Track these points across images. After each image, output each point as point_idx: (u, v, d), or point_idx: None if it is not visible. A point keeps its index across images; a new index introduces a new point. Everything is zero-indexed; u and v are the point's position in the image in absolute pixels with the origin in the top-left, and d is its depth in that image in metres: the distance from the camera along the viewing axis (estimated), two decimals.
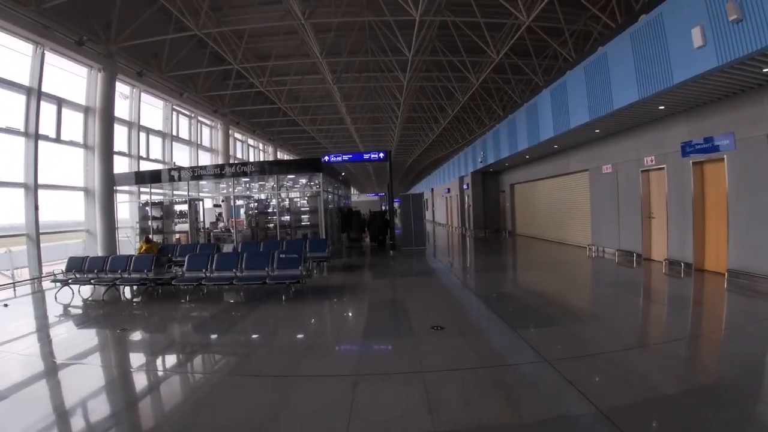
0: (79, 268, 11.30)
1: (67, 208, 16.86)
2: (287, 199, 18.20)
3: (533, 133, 15.91)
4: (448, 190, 35.90)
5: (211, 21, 17.15)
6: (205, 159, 26.62)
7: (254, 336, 7.31)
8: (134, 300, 11.05)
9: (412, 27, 16.93)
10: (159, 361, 6.19)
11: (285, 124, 35.46)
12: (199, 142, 26.12)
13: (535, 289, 10.15)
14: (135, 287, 11.82)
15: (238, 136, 32.70)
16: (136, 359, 6.39)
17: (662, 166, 11.73)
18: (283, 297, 9.67)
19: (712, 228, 10.27)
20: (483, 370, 5.07)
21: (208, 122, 27.51)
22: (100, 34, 16.24)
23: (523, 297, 9.43)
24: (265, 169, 17.01)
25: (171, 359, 6.31)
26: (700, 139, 10.17)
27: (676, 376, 4.74)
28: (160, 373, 5.72)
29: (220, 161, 26.68)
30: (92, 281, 11.11)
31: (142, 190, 18.10)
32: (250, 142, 35.19)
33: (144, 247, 14.14)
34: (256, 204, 18.63)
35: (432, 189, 47.34)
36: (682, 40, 7.86)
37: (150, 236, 15.77)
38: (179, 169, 17.99)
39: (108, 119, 16.98)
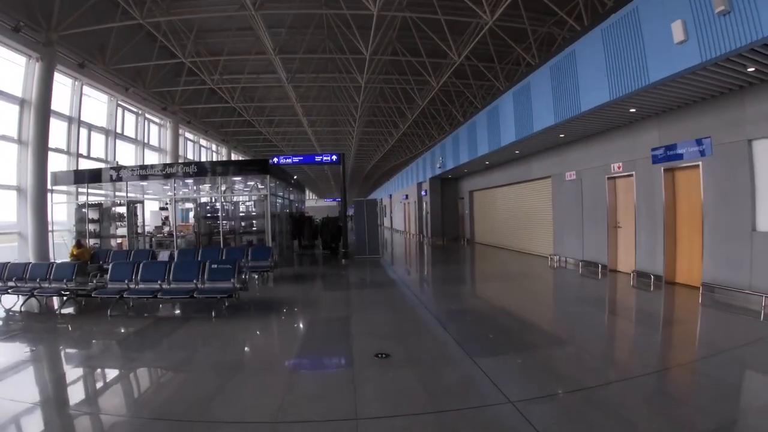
0: None
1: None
2: (232, 203, 17.00)
3: (494, 137, 15.23)
4: (406, 196, 35.21)
5: (159, 10, 15.81)
6: (153, 159, 24.91)
7: (161, 367, 6.07)
8: (56, 312, 9.69)
9: (371, 25, 16.22)
10: (40, 397, 4.88)
11: (240, 125, 34.03)
12: (146, 141, 24.50)
13: (495, 305, 9.25)
14: (56, 298, 10.45)
15: (189, 136, 31.05)
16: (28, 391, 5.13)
17: (631, 173, 11.17)
18: (213, 313, 8.51)
19: (684, 239, 9.73)
20: (432, 416, 4.10)
21: (157, 120, 25.88)
22: (40, 21, 14.78)
23: (483, 315, 8.44)
24: (207, 170, 15.75)
25: (58, 395, 5.06)
26: (673, 144, 9.61)
27: (670, 421, 3.89)
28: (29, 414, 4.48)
29: (168, 161, 25.04)
30: (9, 290, 9.77)
31: (80, 190, 16.60)
32: (203, 142, 33.50)
33: (75, 252, 13.22)
34: (198, 208, 17.33)
35: (390, 195, 46.63)
36: (660, 35, 7.20)
37: (81, 240, 14.44)
38: (118, 168, 16.54)
39: (44, 113, 15.37)
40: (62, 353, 6.89)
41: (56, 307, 10.05)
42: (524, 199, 17.80)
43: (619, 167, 11.64)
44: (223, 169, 16.05)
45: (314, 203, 64.75)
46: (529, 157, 16.48)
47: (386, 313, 8.53)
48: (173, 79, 23.82)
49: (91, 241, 16.38)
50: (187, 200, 18.58)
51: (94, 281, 10.01)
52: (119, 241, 16.96)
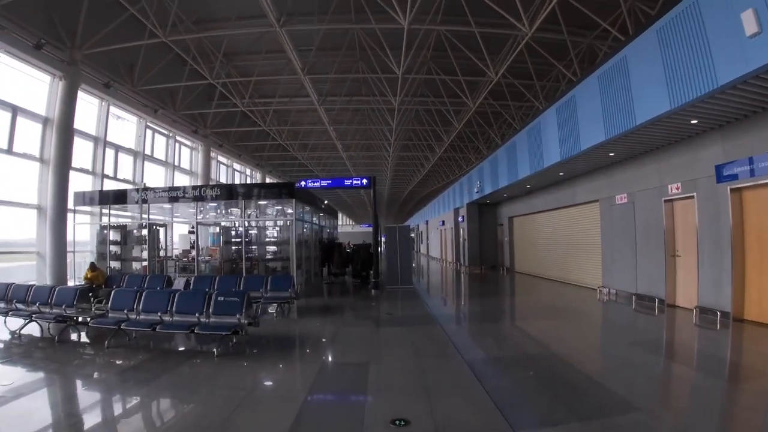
0: (2, 296, 9.70)
1: (20, 226, 14.98)
2: (256, 228, 16.23)
3: (536, 158, 14.04)
4: (443, 222, 34.02)
5: (184, 27, 15.37)
6: (183, 182, 24.52)
7: (131, 424, 5.06)
8: (55, 339, 8.86)
9: (401, 45, 15.43)
10: None
11: (275, 149, 33.61)
12: (176, 164, 24.21)
13: (542, 351, 7.87)
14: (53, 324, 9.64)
15: (222, 159, 30.86)
16: None
17: (691, 194, 9.85)
18: (216, 351, 7.48)
19: (754, 268, 8.30)
20: None
21: (188, 143, 25.67)
22: (64, 39, 14.53)
23: (527, 364, 7.06)
24: (231, 193, 15.05)
25: None
26: (742, 160, 8.27)
27: None
28: None
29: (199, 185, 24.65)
30: (10, 313, 9.36)
31: (103, 211, 16.19)
32: (236, 166, 33.30)
33: (89, 275, 12.74)
34: (222, 232, 16.65)
35: (427, 221, 45.51)
36: (728, 29, 6.05)
37: (95, 263, 13.83)
38: (141, 190, 16.04)
39: (66, 131, 15.01)
40: (37, 392, 6.08)
41: (55, 333, 9.24)
42: (569, 225, 16.42)
43: (677, 188, 10.35)
44: (247, 191, 15.33)
45: (350, 229, 64.11)
46: (574, 179, 15.18)
47: (412, 360, 7.25)
48: (205, 102, 23.57)
49: (113, 264, 16.01)
50: (210, 224, 17.87)
51: (93, 309, 9.31)
52: (144, 264, 16.38)
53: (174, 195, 15.14)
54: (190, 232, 20.22)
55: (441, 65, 19.61)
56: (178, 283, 12.57)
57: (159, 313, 8.14)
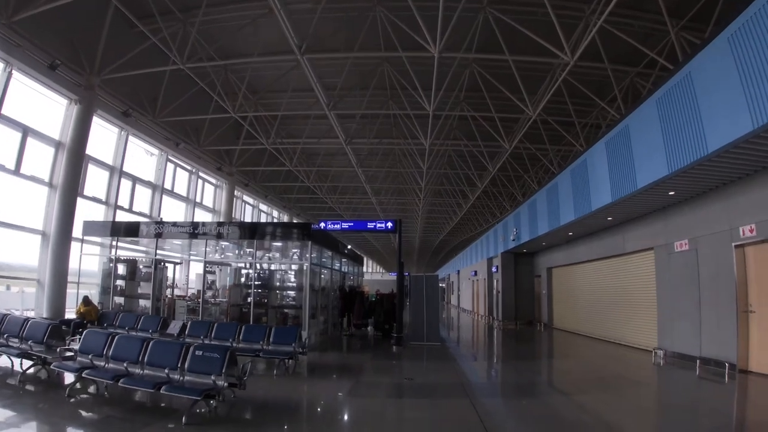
0: None
1: (23, 251, 14.39)
2: (266, 271, 14.99)
3: (581, 201, 12.49)
4: (475, 272, 32.17)
5: (207, 56, 14.68)
6: (205, 220, 23.77)
7: None
8: (18, 379, 7.74)
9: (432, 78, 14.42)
10: None
11: (303, 191, 32.82)
12: (199, 201, 23.43)
13: None
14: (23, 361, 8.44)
15: (248, 199, 30.11)
16: None
17: None
18: (184, 420, 5.94)
19: None
20: None
21: (213, 180, 24.99)
22: (83, 63, 14.14)
23: None
24: (242, 231, 13.90)
25: None
26: None
27: None
28: None
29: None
30: None
31: (114, 243, 15.28)
32: (263, 207, 32.50)
33: (81, 310, 12.35)
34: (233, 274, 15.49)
35: (458, 271, 43.62)
36: None
37: (89, 298, 13.13)
38: (149, 224, 15.13)
39: (77, 157, 14.46)
40: None
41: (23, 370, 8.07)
42: (617, 277, 14.58)
43: (750, 230, 8.72)
44: (259, 230, 14.15)
45: (380, 277, 62.51)
46: (623, 225, 13.51)
47: None
48: (232, 139, 22.99)
49: (117, 300, 14.97)
50: (219, 264, 16.73)
51: (59, 349, 8.12)
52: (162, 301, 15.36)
53: (180, 230, 14.14)
54: (208, 272, 19.16)
55: (475, 105, 18.52)
56: (174, 327, 11.26)
57: (126, 364, 6.77)
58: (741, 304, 9.02)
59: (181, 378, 6.54)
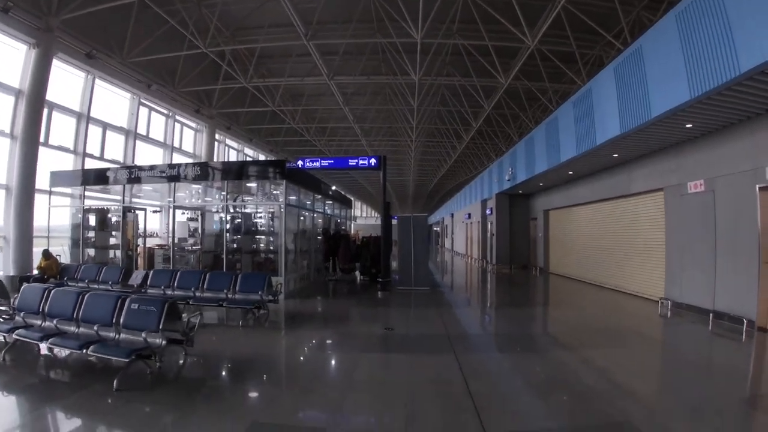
0: None
1: None
2: (240, 215, 13.98)
3: (584, 136, 11.31)
4: (469, 215, 31.25)
5: None
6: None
7: None
8: None
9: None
10: None
11: (291, 134, 31.44)
12: (178, 146, 22.11)
13: (600, 405, 5.08)
14: None
15: (232, 143, 28.71)
16: None
17: None
18: (115, 385, 4.97)
19: None
20: None
21: (192, 124, 23.55)
22: (40, 4, 13.01)
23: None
24: (211, 173, 12.76)
25: None
26: None
27: None
28: None
29: None
30: None
31: (80, 193, 14.43)
32: (248, 151, 31.08)
33: (42, 264, 11.86)
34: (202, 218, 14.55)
35: (452, 214, 42.75)
36: None
37: (49, 251, 12.35)
38: (115, 170, 13.96)
39: (36, 104, 13.42)
40: None
41: None
42: (621, 220, 13.55)
43: None
44: (229, 171, 13.00)
45: (375, 221, 61.77)
46: (630, 163, 12.36)
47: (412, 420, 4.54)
48: (210, 80, 21.42)
49: (88, 252, 14.29)
50: (189, 209, 15.73)
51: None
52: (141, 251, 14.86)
53: (144, 174, 13.11)
54: (190, 219, 18.16)
55: (469, 37, 16.97)
56: (135, 278, 10.31)
57: (56, 321, 5.82)
58: (764, 254, 7.99)
59: (117, 336, 5.59)
